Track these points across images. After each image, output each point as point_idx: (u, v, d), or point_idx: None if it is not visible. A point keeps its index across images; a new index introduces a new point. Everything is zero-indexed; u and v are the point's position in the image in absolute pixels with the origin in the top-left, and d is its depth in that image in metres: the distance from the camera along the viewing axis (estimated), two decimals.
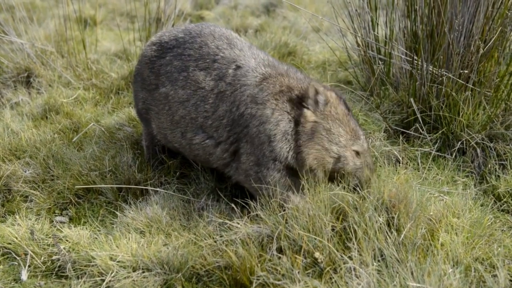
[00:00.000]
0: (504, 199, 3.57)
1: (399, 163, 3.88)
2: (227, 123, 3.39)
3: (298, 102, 3.29)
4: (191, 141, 3.54)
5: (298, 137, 3.24)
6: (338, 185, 3.23)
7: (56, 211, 3.70)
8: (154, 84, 3.72)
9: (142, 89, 3.83)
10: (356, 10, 4.81)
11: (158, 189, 3.70)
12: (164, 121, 3.67)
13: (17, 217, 3.48)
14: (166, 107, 3.62)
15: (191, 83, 3.51)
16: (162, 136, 3.79)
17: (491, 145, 3.92)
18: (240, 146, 3.36)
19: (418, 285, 2.56)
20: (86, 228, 3.43)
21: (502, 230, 3.32)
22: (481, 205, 3.45)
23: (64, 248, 3.20)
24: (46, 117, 4.98)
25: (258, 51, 3.62)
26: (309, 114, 3.25)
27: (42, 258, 3.18)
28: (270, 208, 3.14)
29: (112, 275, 2.93)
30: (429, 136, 4.05)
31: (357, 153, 3.26)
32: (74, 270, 3.06)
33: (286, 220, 2.99)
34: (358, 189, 3.25)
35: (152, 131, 3.88)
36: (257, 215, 3.20)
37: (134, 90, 4.02)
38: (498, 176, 3.75)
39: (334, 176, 3.28)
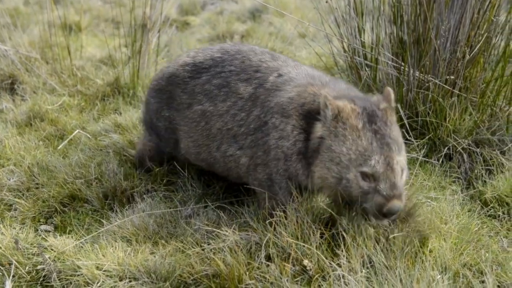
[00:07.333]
0: (491, 205, 3.58)
1: None
2: (253, 128, 3.29)
3: (316, 113, 3.02)
4: (225, 153, 3.42)
5: (308, 153, 3.05)
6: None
7: (41, 220, 3.65)
8: (186, 103, 3.62)
9: (169, 108, 3.74)
10: (343, 16, 4.82)
11: (144, 196, 3.67)
12: (199, 138, 3.56)
13: (1, 226, 3.42)
14: (202, 122, 3.52)
15: (232, 95, 3.42)
16: (194, 153, 3.67)
17: (478, 150, 3.94)
18: (257, 154, 3.25)
19: None
20: (72, 237, 3.38)
21: (489, 235, 3.33)
22: (468, 211, 3.46)
23: (49, 258, 3.14)
24: (31, 124, 4.92)
25: (302, 65, 3.54)
26: (319, 127, 2.99)
27: (27, 267, 3.12)
28: (259, 215, 3.13)
29: (99, 284, 2.88)
30: (416, 142, 4.06)
31: (366, 175, 2.83)
32: (59, 279, 3.00)
33: (275, 227, 2.97)
34: (368, 216, 2.96)
35: (167, 149, 3.92)
36: (245, 222, 3.18)
37: (154, 109, 3.87)
38: (485, 181, 3.76)
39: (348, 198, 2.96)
